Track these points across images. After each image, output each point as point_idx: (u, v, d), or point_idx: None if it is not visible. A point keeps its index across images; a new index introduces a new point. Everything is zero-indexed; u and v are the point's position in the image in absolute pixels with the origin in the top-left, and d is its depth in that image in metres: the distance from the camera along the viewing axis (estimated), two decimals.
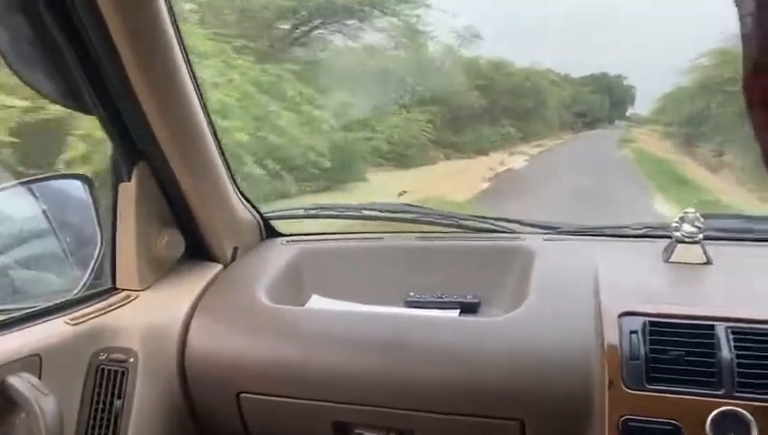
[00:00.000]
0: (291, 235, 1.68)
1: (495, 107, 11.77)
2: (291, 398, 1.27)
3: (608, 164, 10.79)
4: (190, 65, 1.31)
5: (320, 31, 8.86)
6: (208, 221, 1.46)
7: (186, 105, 1.31)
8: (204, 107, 1.37)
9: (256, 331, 1.32)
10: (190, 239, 1.48)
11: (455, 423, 1.20)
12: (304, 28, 8.72)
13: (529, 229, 1.62)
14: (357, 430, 1.27)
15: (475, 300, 1.46)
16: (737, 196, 6.51)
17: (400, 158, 8.73)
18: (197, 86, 1.35)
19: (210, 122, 1.40)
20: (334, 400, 1.25)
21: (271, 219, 1.66)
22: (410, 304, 1.47)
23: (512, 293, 1.40)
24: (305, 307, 1.46)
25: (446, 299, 1.46)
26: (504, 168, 10.15)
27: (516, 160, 10.98)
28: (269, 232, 1.67)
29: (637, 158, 11.70)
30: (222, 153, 1.46)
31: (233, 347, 1.31)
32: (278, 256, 1.57)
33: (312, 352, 1.27)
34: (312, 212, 1.68)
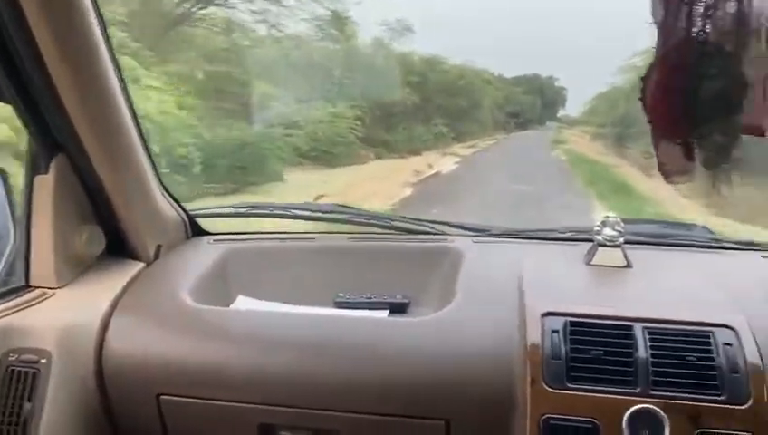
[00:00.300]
0: (218, 234, 1.64)
1: (429, 105, 11.44)
2: (214, 400, 1.24)
3: (542, 167, 10.60)
4: (114, 58, 1.26)
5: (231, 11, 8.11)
6: (130, 218, 1.41)
7: (108, 98, 1.26)
8: (128, 101, 1.32)
9: (178, 331, 1.28)
10: (111, 236, 1.43)
11: (380, 424, 1.20)
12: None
13: (459, 232, 1.64)
14: (282, 432, 1.25)
15: (405, 300, 1.46)
16: (675, 203, 6.53)
17: (326, 156, 8.26)
18: (122, 80, 1.30)
19: (135, 117, 1.35)
20: (259, 401, 1.23)
21: (197, 217, 1.62)
22: (339, 305, 1.46)
23: (440, 293, 1.41)
24: (230, 308, 1.43)
25: (376, 300, 1.46)
26: (432, 171, 9.76)
27: (446, 163, 10.66)
28: (195, 230, 1.63)
29: (571, 160, 11.62)
30: (147, 149, 1.42)
31: (153, 348, 1.26)
32: (204, 255, 1.53)
33: (236, 353, 1.25)
34: (242, 211, 1.64)
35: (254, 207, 1.67)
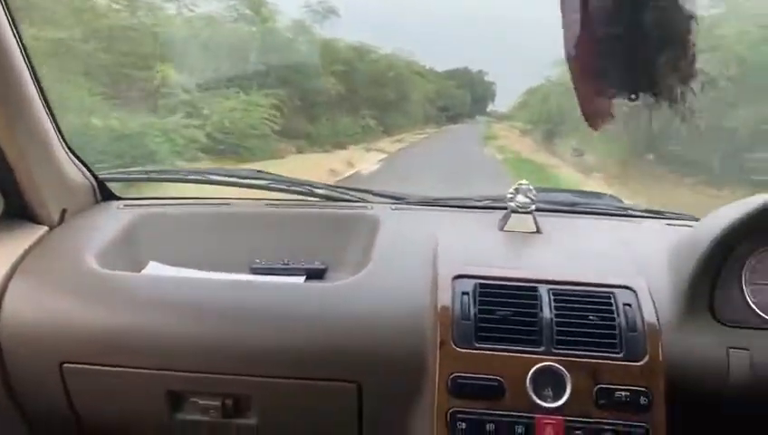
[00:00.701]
0: (129, 198, 1.59)
1: (356, 96, 10.86)
2: (120, 367, 1.20)
3: (475, 167, 9.76)
4: (13, 21, 1.19)
5: None
6: (31, 179, 1.34)
7: (5, 62, 1.20)
8: (27, 58, 1.26)
9: (83, 296, 1.24)
10: (11, 199, 1.35)
11: (292, 387, 1.20)
12: None
13: (379, 199, 1.64)
14: (192, 399, 1.23)
15: (322, 266, 1.46)
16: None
17: (236, 150, 7.28)
18: (19, 36, 1.23)
19: (34, 76, 1.29)
20: (168, 368, 1.20)
21: (107, 181, 1.56)
22: (255, 271, 1.44)
23: (357, 259, 1.41)
24: (140, 273, 1.38)
25: (292, 266, 1.44)
26: (351, 171, 8.63)
27: (369, 160, 9.82)
28: (105, 195, 1.56)
29: (507, 159, 11.08)
30: (49, 109, 1.35)
31: (56, 314, 1.21)
32: (113, 219, 1.47)
33: (144, 318, 1.22)
34: (154, 175, 1.59)
35: (168, 171, 1.62)
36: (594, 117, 0.88)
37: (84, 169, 1.51)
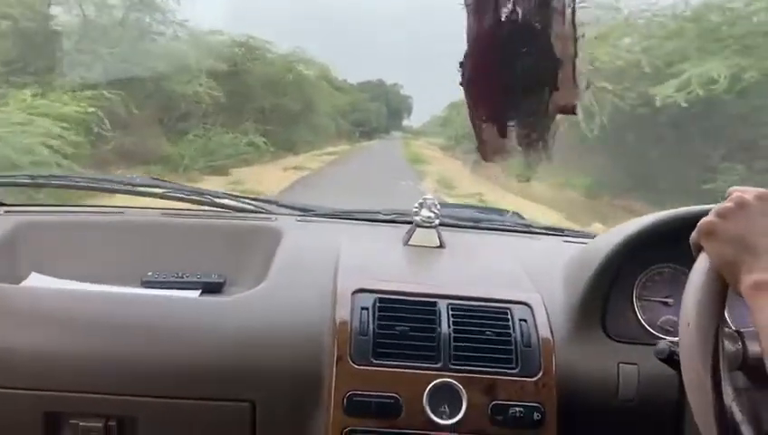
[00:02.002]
0: (12, 205, 1.47)
1: (241, 105, 8.49)
2: None
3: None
4: None
5: None
6: None
7: None
8: None
9: None
10: None
11: (182, 407, 1.14)
12: None
13: (284, 211, 1.60)
14: (71, 420, 1.14)
15: (220, 280, 1.40)
16: None
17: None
18: None
19: None
20: (45, 387, 1.11)
21: None
22: (147, 285, 1.36)
23: (257, 273, 1.36)
24: (18, 285, 1.28)
25: (188, 279, 1.37)
26: None
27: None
28: None
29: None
30: None
31: None
32: None
33: (20, 333, 1.13)
34: (41, 180, 1.48)
35: (57, 177, 1.52)
36: (487, 148, 0.89)
37: None
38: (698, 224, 0.85)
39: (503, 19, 0.84)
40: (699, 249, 0.85)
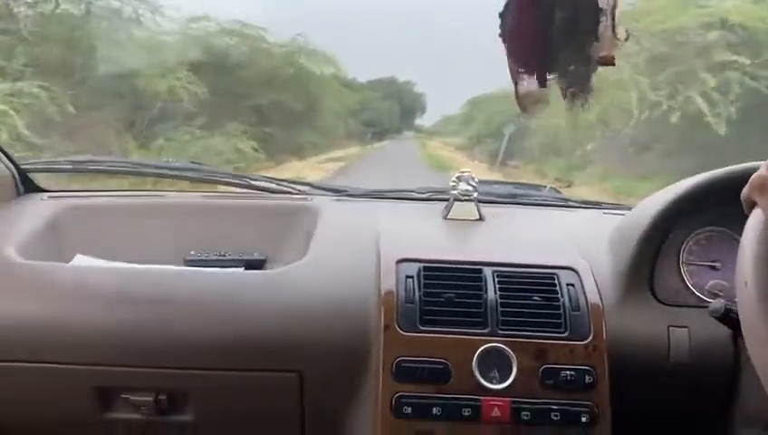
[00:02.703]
0: (55, 191, 1.50)
1: (232, 103, 6.94)
2: (43, 363, 1.12)
3: None
4: None
5: None
6: None
7: None
8: None
9: (2, 289, 1.15)
10: None
11: (231, 379, 1.15)
12: None
13: (319, 192, 1.60)
14: (122, 395, 1.16)
15: (261, 258, 1.40)
16: None
17: None
18: None
19: None
20: (95, 362, 1.13)
21: (30, 172, 1.46)
22: (190, 264, 1.37)
23: (296, 250, 1.37)
24: (65, 265, 1.30)
25: (229, 257, 1.39)
26: None
27: None
28: (28, 187, 1.47)
29: None
30: None
31: None
32: (36, 212, 1.38)
33: (70, 311, 1.14)
34: (82, 166, 1.51)
35: (97, 162, 1.54)
36: (526, 100, 0.89)
37: (5, 159, 1.41)
38: (750, 178, 0.83)
39: None
40: (752, 205, 0.83)
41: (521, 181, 1.87)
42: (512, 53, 0.86)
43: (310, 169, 8.50)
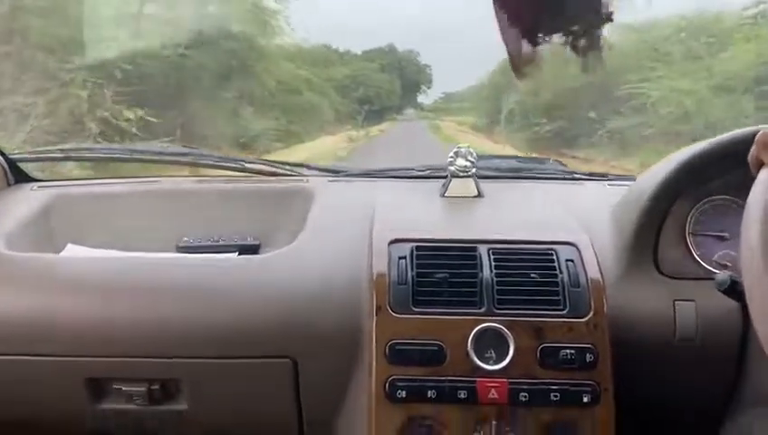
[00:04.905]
0: (46, 180, 1.48)
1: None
2: (32, 355, 1.11)
3: None
4: None
5: None
6: None
7: None
8: None
9: None
10: None
11: (225, 367, 1.12)
12: None
13: (315, 173, 1.57)
14: (115, 386, 1.14)
15: (255, 242, 1.38)
16: None
17: None
18: None
19: None
20: (86, 353, 1.11)
21: (19, 162, 1.44)
22: (183, 250, 1.35)
23: (291, 233, 1.34)
24: (55, 255, 1.28)
25: (223, 242, 1.36)
26: None
27: None
28: (18, 177, 1.45)
29: None
30: None
31: None
32: (25, 202, 1.36)
33: (60, 302, 1.12)
34: (72, 154, 1.48)
35: (88, 149, 1.52)
36: (519, 60, 0.83)
37: None
38: (757, 137, 0.78)
39: None
40: (760, 165, 0.78)
41: (520, 156, 1.82)
42: (501, 5, 0.80)
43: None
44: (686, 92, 7.74)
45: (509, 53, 0.81)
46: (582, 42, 0.78)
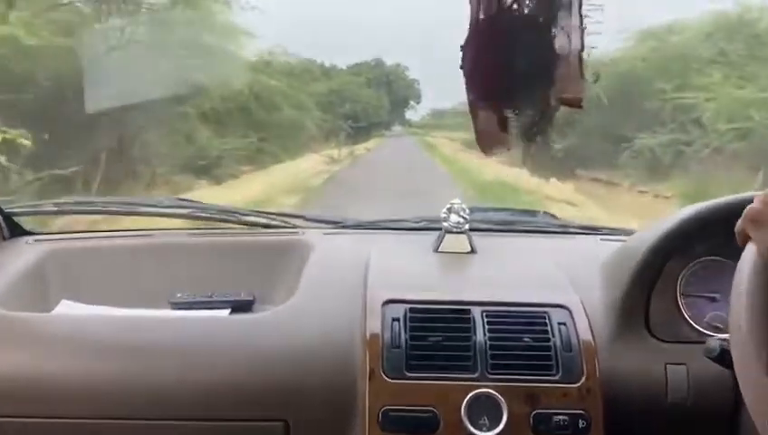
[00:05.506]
0: (41, 233, 1.48)
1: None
2: (21, 417, 1.10)
3: None
4: None
5: None
6: None
7: None
8: None
9: None
10: None
11: (216, 430, 1.12)
12: None
13: (311, 224, 1.58)
14: None
15: (249, 298, 1.37)
16: None
17: None
18: None
19: None
20: (76, 416, 1.10)
21: (14, 216, 1.44)
22: (176, 306, 1.35)
23: (286, 288, 1.34)
24: (49, 313, 1.28)
25: (216, 299, 1.36)
26: None
27: None
28: (13, 230, 1.45)
29: None
30: None
31: None
32: (19, 257, 1.36)
33: (56, 362, 1.12)
34: (68, 208, 1.49)
35: (83, 203, 1.52)
36: (484, 138, 0.86)
37: None
38: (744, 211, 0.79)
39: (505, 7, 0.81)
40: (746, 239, 0.80)
41: (514, 208, 1.83)
42: (471, 90, 0.82)
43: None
44: (746, 103, 6.63)
45: (476, 127, 0.83)
46: (533, 130, 0.81)
